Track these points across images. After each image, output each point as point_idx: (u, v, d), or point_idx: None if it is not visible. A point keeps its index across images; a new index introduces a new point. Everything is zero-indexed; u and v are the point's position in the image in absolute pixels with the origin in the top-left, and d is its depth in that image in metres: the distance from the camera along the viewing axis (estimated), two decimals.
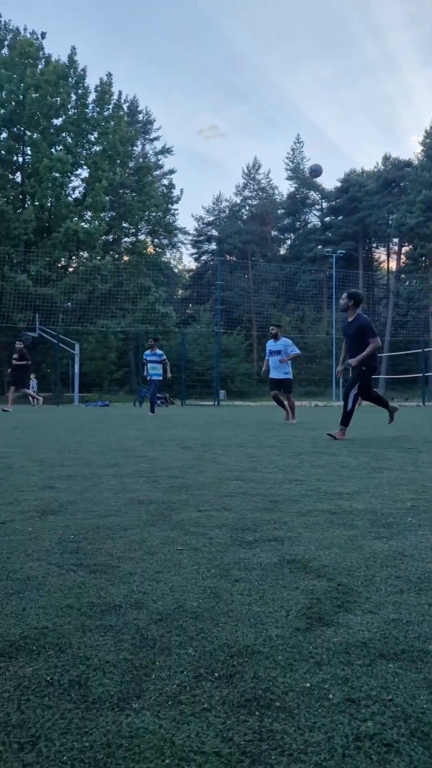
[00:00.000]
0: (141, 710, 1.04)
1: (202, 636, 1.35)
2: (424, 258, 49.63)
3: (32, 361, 17.03)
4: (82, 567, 1.89)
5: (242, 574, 1.82)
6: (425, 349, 32.84)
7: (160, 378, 13.96)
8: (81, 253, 39.87)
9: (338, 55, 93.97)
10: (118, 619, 1.45)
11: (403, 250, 54.18)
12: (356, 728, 0.98)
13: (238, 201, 62.64)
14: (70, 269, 40.19)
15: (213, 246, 62.08)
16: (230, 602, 1.57)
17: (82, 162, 39.69)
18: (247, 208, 62.53)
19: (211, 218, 63.26)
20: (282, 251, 63.96)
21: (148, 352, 14.10)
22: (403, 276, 52.28)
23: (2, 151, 37.18)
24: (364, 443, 6.40)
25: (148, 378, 14.05)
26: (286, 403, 10.78)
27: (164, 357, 14.11)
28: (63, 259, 39.42)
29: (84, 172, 40.83)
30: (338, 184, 57.66)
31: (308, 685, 1.13)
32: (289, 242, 64.04)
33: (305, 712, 1.03)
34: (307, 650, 1.28)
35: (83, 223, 38.09)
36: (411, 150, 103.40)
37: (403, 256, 54.52)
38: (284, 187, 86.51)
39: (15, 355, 15.98)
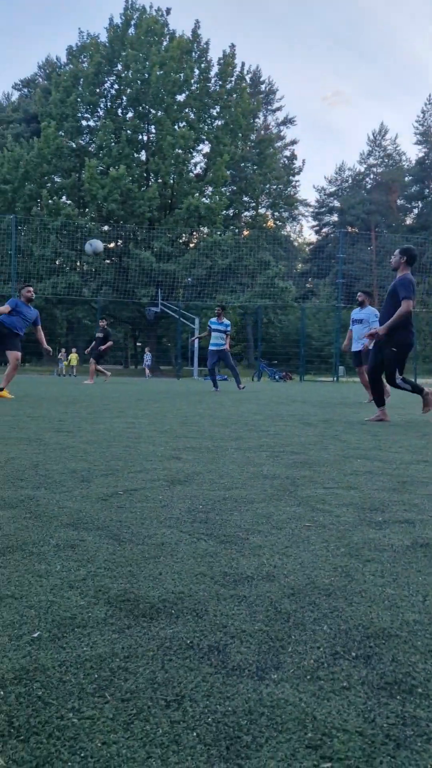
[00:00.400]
0: (280, 681, 1.05)
1: (335, 614, 1.35)
2: None
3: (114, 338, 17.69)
4: (212, 537, 1.94)
5: (373, 554, 1.79)
6: None
7: (221, 349, 12.85)
8: (201, 228, 40.39)
9: None
10: (250, 591, 1.48)
11: None
12: None
13: (362, 169, 60.44)
14: (191, 245, 40.88)
15: (334, 217, 60.48)
16: (362, 582, 1.55)
17: (204, 137, 39.95)
18: (371, 176, 60.14)
19: (333, 188, 61.58)
20: (408, 221, 61.01)
21: (214, 320, 13.04)
22: None
23: (129, 131, 38.24)
24: None
25: (210, 348, 13.00)
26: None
27: (230, 328, 13.09)
28: (184, 235, 40.16)
29: (205, 147, 41.13)
30: None
31: None
32: (416, 211, 60.93)
33: None
34: None
35: (204, 199, 38.49)
36: None
37: None
38: (412, 152, 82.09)
39: (99, 334, 16.70)
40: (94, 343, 17.05)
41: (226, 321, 12.96)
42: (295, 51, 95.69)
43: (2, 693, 1.00)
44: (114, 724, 0.92)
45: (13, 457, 3.43)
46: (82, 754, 0.84)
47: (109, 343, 16.75)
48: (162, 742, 0.88)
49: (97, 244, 9.65)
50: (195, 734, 0.90)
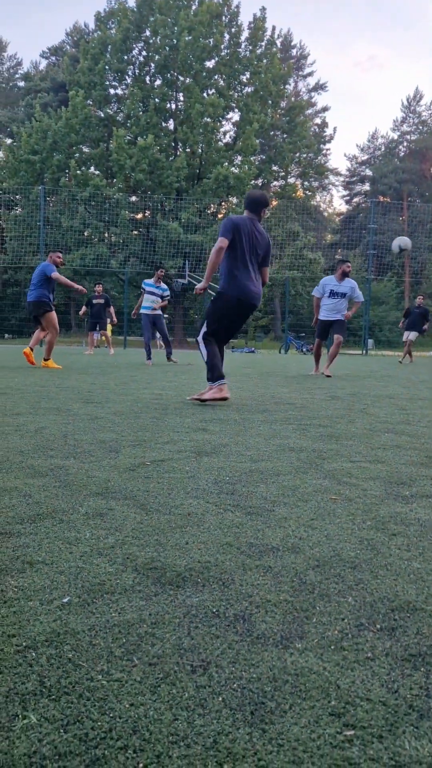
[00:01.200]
0: (304, 651, 1.07)
1: (361, 587, 1.35)
2: None
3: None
4: (239, 508, 1.96)
5: (400, 528, 1.79)
6: None
7: (153, 313, 11.49)
8: (230, 198, 39.88)
9: None
10: (276, 561, 1.49)
11: None
12: None
13: (395, 137, 58.76)
14: (219, 215, 40.44)
15: (366, 187, 59.15)
16: (388, 556, 1.55)
17: (233, 105, 39.18)
18: (405, 144, 58.48)
19: (366, 157, 60.10)
20: None
21: (150, 281, 11.61)
22: None
23: (157, 99, 37.71)
24: None
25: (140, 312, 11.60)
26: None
27: (167, 294, 11.73)
28: (213, 205, 39.73)
29: (235, 116, 40.37)
30: None
31: None
32: None
33: None
34: None
35: (233, 168, 37.93)
36: None
37: None
38: None
39: (99, 300, 15.86)
40: (86, 308, 16.01)
41: (163, 285, 11.71)
42: (327, 14, 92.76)
43: (34, 655, 1.03)
44: (141, 686, 0.95)
45: (43, 426, 3.49)
46: (111, 715, 0.87)
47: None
48: (188, 705, 0.90)
49: (405, 241, 9.74)
50: (221, 699, 0.92)
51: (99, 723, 0.85)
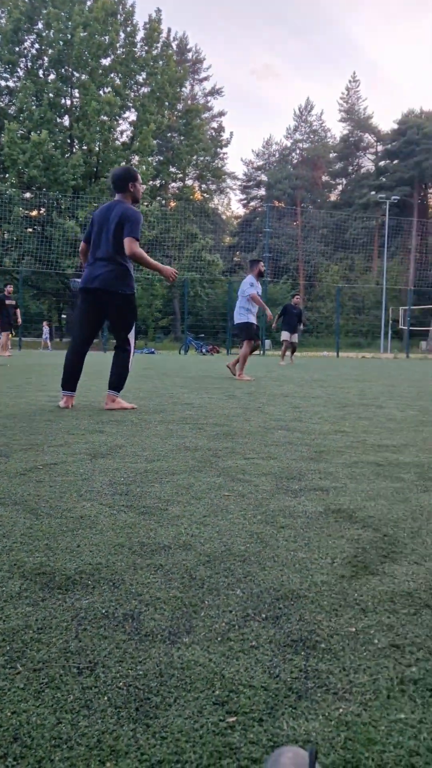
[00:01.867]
0: (191, 644, 1.09)
1: (249, 579, 1.39)
2: None
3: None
4: (132, 508, 1.95)
5: (288, 521, 1.85)
6: None
7: None
8: None
9: None
10: (167, 559, 1.51)
11: None
12: (401, 672, 1.00)
13: (289, 144, 60.72)
14: None
15: (262, 191, 60.71)
16: (276, 548, 1.61)
17: (130, 104, 38.92)
18: (297, 151, 60.57)
19: (261, 162, 61.67)
20: (333, 197, 62.08)
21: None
22: None
23: (50, 94, 36.71)
24: (412, 397, 6.31)
25: None
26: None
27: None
28: None
29: (132, 115, 40.11)
30: (395, 126, 55.11)
31: (353, 630, 1.15)
32: (340, 188, 62.10)
33: (350, 654, 1.06)
34: (352, 597, 1.30)
35: None
36: None
37: None
38: (337, 129, 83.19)
39: (11, 302, 15.89)
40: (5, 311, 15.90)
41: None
42: (223, 21, 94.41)
43: None
44: (25, 693, 0.93)
45: None
46: None
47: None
48: (73, 708, 0.89)
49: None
50: (106, 698, 0.92)
51: None
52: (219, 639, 1.11)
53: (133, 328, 4.77)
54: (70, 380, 4.61)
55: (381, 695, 0.94)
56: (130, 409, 4.56)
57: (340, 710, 0.89)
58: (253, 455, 2.89)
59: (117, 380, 4.63)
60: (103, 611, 1.21)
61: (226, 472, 2.52)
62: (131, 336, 4.76)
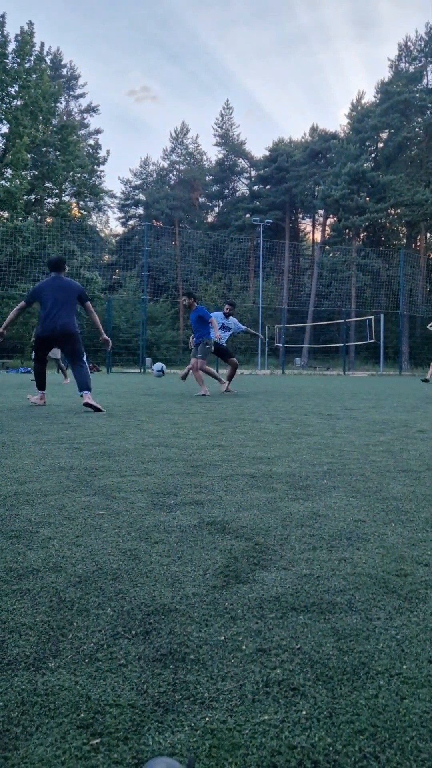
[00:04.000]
0: (57, 669, 1.05)
1: (120, 596, 1.37)
2: (347, 230, 50.60)
3: None
4: None
5: (162, 536, 1.85)
6: (347, 320, 33.78)
7: None
8: (1, 212, 38.13)
9: (273, 22, 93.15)
10: (35, 583, 1.45)
11: (328, 221, 55.04)
12: (266, 675, 1.03)
13: (166, 165, 61.54)
14: None
15: (140, 210, 60.89)
16: (149, 563, 1.60)
17: (2, 116, 37.67)
18: (174, 173, 61.52)
19: (139, 182, 61.91)
20: (210, 218, 63.60)
21: None
22: (327, 247, 53.18)
23: None
24: (286, 411, 6.56)
25: None
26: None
27: None
28: None
29: (4, 128, 38.81)
30: (267, 153, 57.62)
31: (222, 638, 1.17)
32: (216, 210, 63.74)
33: (218, 663, 1.07)
34: (223, 606, 1.32)
35: (3, 181, 36.37)
36: (338, 122, 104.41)
37: (327, 228, 55.41)
38: (213, 153, 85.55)
39: None
40: None
41: None
42: (101, 41, 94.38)
43: None
44: None
45: None
46: None
47: None
48: None
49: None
50: None
51: None
52: (87, 660, 1.08)
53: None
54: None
55: (246, 700, 0.95)
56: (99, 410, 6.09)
57: (206, 719, 0.90)
58: (130, 472, 2.86)
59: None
60: None
61: (101, 490, 2.48)
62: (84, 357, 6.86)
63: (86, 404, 6.10)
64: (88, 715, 0.91)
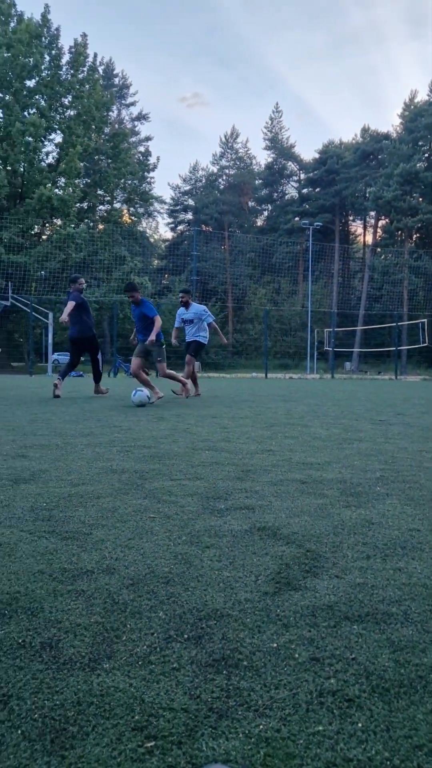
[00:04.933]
0: (111, 670, 1.06)
1: (172, 600, 1.38)
2: (399, 232, 49.72)
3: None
4: (54, 534, 1.90)
5: (213, 540, 1.85)
6: (399, 324, 33.15)
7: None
8: (55, 220, 39.06)
9: (324, 24, 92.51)
10: (89, 584, 1.47)
11: (380, 223, 54.18)
12: (320, 685, 1.02)
13: (215, 170, 61.81)
14: (44, 237, 39.41)
15: (189, 216, 61.36)
16: (200, 568, 1.60)
17: (56, 126, 38.63)
18: (224, 177, 61.73)
19: (188, 187, 62.39)
20: (259, 222, 63.54)
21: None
22: (378, 250, 52.37)
23: None
24: (336, 416, 6.48)
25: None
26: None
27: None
28: (36, 226, 38.64)
29: (57, 137, 39.79)
30: (316, 155, 57.22)
31: (275, 645, 1.16)
32: (266, 213, 63.65)
33: (272, 670, 1.07)
34: (275, 613, 1.31)
35: (57, 190, 37.26)
36: (390, 123, 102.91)
37: (379, 230, 54.54)
38: (262, 157, 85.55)
39: None
40: None
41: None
42: (152, 49, 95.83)
43: None
44: None
45: None
46: None
47: None
48: None
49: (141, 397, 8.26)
50: (20, 732, 0.88)
51: None
52: (140, 663, 1.09)
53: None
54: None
55: (300, 709, 0.94)
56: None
57: (260, 726, 0.90)
58: (180, 476, 2.88)
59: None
60: (20, 641, 1.17)
61: (152, 493, 2.50)
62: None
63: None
64: (142, 717, 0.92)
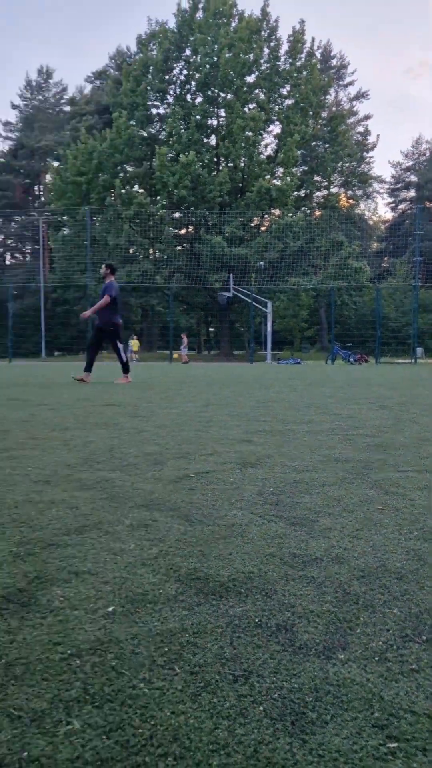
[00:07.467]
0: (347, 662, 1.05)
1: (406, 597, 1.33)
2: None
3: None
4: (282, 519, 1.95)
5: None
6: None
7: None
8: (273, 210, 39.96)
9: None
10: (319, 572, 1.48)
11: None
12: None
13: None
14: (262, 228, 40.56)
15: (412, 193, 58.32)
16: None
17: (274, 117, 39.37)
18: None
19: (410, 163, 59.30)
20: None
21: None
22: None
23: (198, 116, 38.22)
24: None
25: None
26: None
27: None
28: (256, 218, 39.90)
29: (276, 128, 40.53)
30: None
31: None
32: None
33: None
34: None
35: (275, 181, 38.03)
36: None
37: None
38: None
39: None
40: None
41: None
42: (370, 24, 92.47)
43: (78, 662, 1.05)
44: (182, 695, 0.95)
45: (90, 440, 3.55)
46: (152, 722, 0.88)
47: None
48: (229, 714, 0.90)
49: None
50: (261, 708, 0.91)
51: (140, 730, 0.86)
52: (376, 658, 1.06)
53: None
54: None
55: None
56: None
57: None
58: (407, 468, 2.76)
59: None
60: (257, 620, 1.21)
61: (378, 484, 2.43)
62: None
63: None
64: (382, 715, 0.89)
